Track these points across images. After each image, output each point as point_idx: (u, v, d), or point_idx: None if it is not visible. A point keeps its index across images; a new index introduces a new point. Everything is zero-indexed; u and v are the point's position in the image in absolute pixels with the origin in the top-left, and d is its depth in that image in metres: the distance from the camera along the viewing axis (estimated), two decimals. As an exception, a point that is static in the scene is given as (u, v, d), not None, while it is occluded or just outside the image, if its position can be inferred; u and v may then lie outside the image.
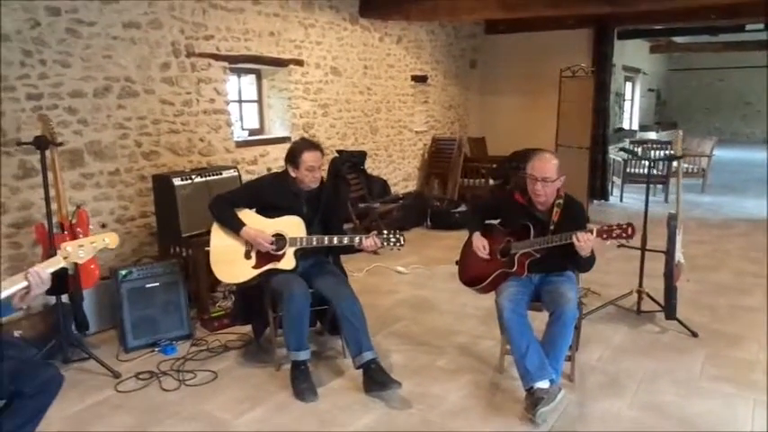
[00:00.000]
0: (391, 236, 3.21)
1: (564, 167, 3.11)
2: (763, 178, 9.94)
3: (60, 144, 3.46)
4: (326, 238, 3.23)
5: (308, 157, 3.24)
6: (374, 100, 7.18)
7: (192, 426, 2.83)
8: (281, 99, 5.95)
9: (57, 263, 2.27)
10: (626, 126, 13.00)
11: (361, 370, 3.13)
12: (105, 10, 4.13)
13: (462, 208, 7.16)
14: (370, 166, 7.00)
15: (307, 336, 3.18)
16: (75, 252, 2.32)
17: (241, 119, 5.75)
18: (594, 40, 8.40)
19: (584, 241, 2.80)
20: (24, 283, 2.16)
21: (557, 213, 3.08)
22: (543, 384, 2.78)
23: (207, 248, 3.34)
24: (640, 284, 4.06)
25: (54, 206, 3.40)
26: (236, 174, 4.52)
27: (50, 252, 3.31)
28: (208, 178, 4.25)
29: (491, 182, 8.11)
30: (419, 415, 2.88)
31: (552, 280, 3.11)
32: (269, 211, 3.30)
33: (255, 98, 5.96)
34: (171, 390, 3.19)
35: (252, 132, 5.83)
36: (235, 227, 3.24)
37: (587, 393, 3.06)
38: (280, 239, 3.24)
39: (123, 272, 3.71)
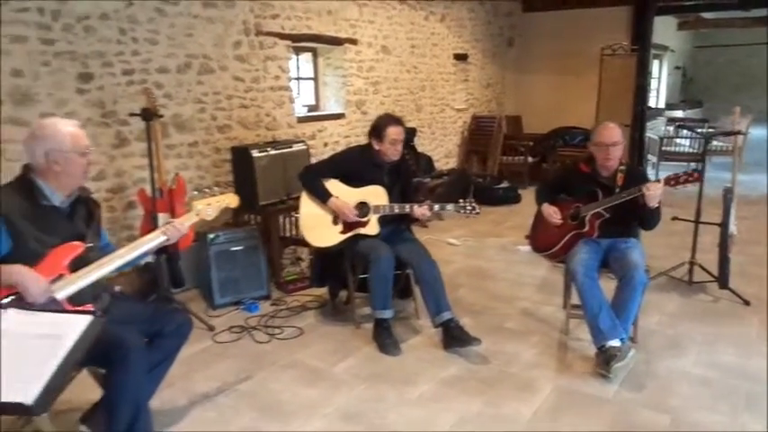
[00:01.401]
0: (467, 204, 3.47)
1: None
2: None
3: (161, 116, 3.72)
4: (407, 206, 3.48)
5: (392, 132, 3.49)
6: (419, 78, 7.37)
7: (292, 373, 3.12)
8: (336, 77, 6.16)
9: (191, 218, 2.58)
10: (653, 104, 13.04)
11: (439, 329, 3.40)
12: (187, -11, 4.37)
13: (504, 184, 7.38)
14: (416, 143, 7.22)
15: (391, 296, 3.45)
16: (205, 210, 2.63)
17: (299, 95, 5.98)
18: (633, 18, 8.48)
19: (654, 189, 3.03)
20: (163, 237, 2.45)
21: (621, 178, 3.33)
22: (615, 343, 3.02)
23: (296, 215, 3.61)
24: (693, 256, 4.28)
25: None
26: (305, 147, 4.76)
27: (152, 214, 3.61)
28: (282, 150, 4.50)
29: (530, 159, 8.31)
30: (498, 368, 3.15)
31: (620, 247, 3.33)
32: (354, 180, 3.55)
33: (312, 76, 6.17)
34: (263, 342, 3.50)
35: (309, 109, 6.06)
36: (322, 197, 3.50)
37: (652, 353, 3.30)
38: (364, 207, 3.50)
39: (211, 235, 4.00)
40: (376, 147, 3.54)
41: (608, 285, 3.27)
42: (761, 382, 2.98)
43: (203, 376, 3.06)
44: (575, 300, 3.58)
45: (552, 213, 3.43)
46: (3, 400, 1.38)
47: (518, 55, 9.51)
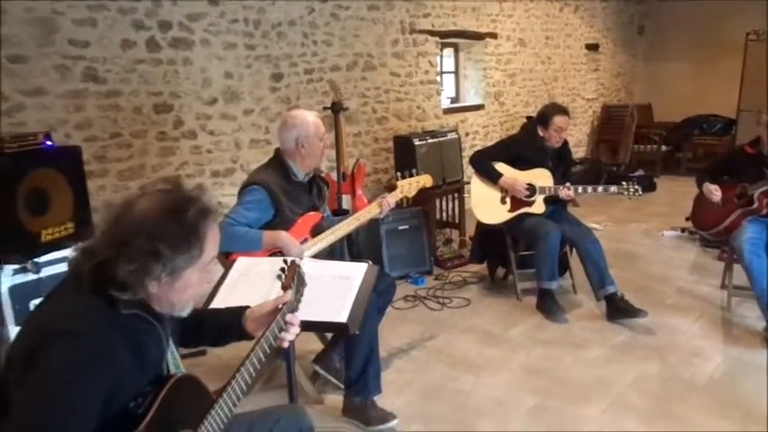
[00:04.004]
0: (630, 186, 3.69)
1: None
2: None
3: (347, 109, 4.22)
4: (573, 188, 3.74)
5: (558, 120, 3.76)
6: (552, 69, 7.52)
7: (471, 335, 3.49)
8: (477, 70, 6.48)
9: (397, 196, 3.00)
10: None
11: (601, 302, 3.65)
12: (357, -6, 4.86)
13: (639, 172, 7.38)
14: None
15: (557, 268, 3.73)
16: (408, 188, 3.05)
17: (443, 88, 6.35)
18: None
19: None
20: (378, 210, 2.89)
21: None
22: (788, 316, 3.14)
23: (466, 195, 3.97)
24: None
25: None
26: (457, 136, 5.11)
27: (337, 196, 4.11)
28: (439, 139, 4.89)
29: (663, 148, 8.22)
30: (666, 338, 3.35)
31: (790, 226, 3.42)
32: (520, 164, 3.86)
33: (452, 69, 6.53)
34: (437, 310, 3.89)
35: (451, 101, 6.43)
36: (493, 177, 3.84)
37: (823, 330, 3.36)
38: (530, 187, 3.80)
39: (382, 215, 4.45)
40: (540, 133, 3.83)
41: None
42: None
43: (394, 334, 3.50)
44: (736, 280, 3.71)
45: (713, 190, 3.56)
46: (326, 320, 1.83)
47: (649, 43, 9.36)
